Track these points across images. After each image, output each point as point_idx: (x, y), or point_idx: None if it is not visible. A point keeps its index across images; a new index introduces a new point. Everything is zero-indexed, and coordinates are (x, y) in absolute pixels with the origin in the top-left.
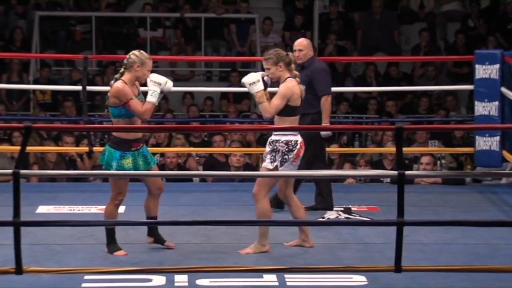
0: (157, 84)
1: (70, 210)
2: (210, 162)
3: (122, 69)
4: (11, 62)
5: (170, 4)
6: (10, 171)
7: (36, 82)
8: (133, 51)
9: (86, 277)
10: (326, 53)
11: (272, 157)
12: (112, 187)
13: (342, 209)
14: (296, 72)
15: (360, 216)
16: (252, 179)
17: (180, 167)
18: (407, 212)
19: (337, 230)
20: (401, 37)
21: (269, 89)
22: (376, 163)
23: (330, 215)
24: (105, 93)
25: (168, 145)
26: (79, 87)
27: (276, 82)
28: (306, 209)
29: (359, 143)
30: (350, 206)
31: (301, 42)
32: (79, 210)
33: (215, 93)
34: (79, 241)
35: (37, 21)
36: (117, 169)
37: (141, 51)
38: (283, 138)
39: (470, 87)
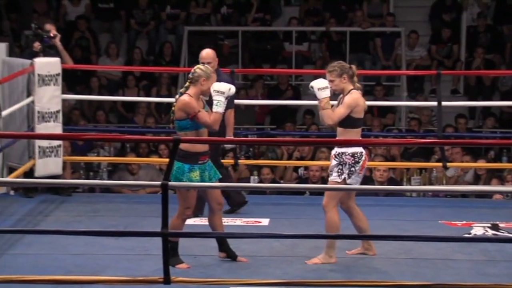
0: (221, 93)
1: None
2: None
3: (187, 83)
4: (161, 76)
5: (316, 18)
6: (158, 182)
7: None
8: (198, 65)
9: None
10: (474, 67)
11: (340, 170)
12: (180, 201)
13: (489, 225)
14: (358, 85)
15: (508, 232)
16: (397, 193)
17: (324, 180)
18: None
19: (484, 246)
20: None
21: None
22: None
23: (477, 231)
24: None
25: (312, 158)
26: None
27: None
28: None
29: (507, 159)
30: (497, 222)
31: (209, 55)
32: (224, 222)
33: None
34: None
35: (186, 36)
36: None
37: (206, 65)
38: (350, 150)
39: None
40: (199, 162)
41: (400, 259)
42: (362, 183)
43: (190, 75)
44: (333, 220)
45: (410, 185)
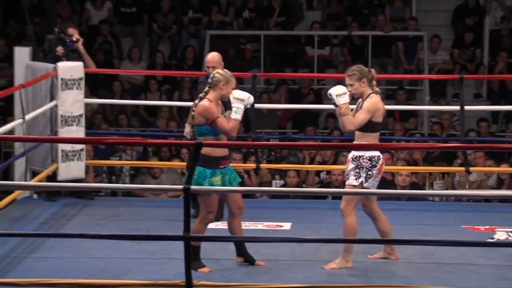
0: (241, 100)
1: None
2: None
3: (207, 88)
4: (183, 80)
5: (338, 22)
6: (180, 186)
7: None
8: (217, 70)
9: None
10: (497, 71)
11: (357, 174)
12: (202, 206)
13: None
14: (377, 89)
15: None
16: (419, 198)
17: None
18: None
19: (507, 251)
20: None
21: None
22: None
23: (500, 236)
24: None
25: (334, 163)
26: None
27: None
28: None
29: None
30: None
31: (214, 58)
32: (246, 226)
33: None
34: None
35: (208, 40)
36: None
37: (225, 70)
38: (367, 154)
39: None
40: (220, 166)
41: (422, 263)
42: (384, 188)
43: (209, 80)
44: (351, 225)
45: (433, 189)
